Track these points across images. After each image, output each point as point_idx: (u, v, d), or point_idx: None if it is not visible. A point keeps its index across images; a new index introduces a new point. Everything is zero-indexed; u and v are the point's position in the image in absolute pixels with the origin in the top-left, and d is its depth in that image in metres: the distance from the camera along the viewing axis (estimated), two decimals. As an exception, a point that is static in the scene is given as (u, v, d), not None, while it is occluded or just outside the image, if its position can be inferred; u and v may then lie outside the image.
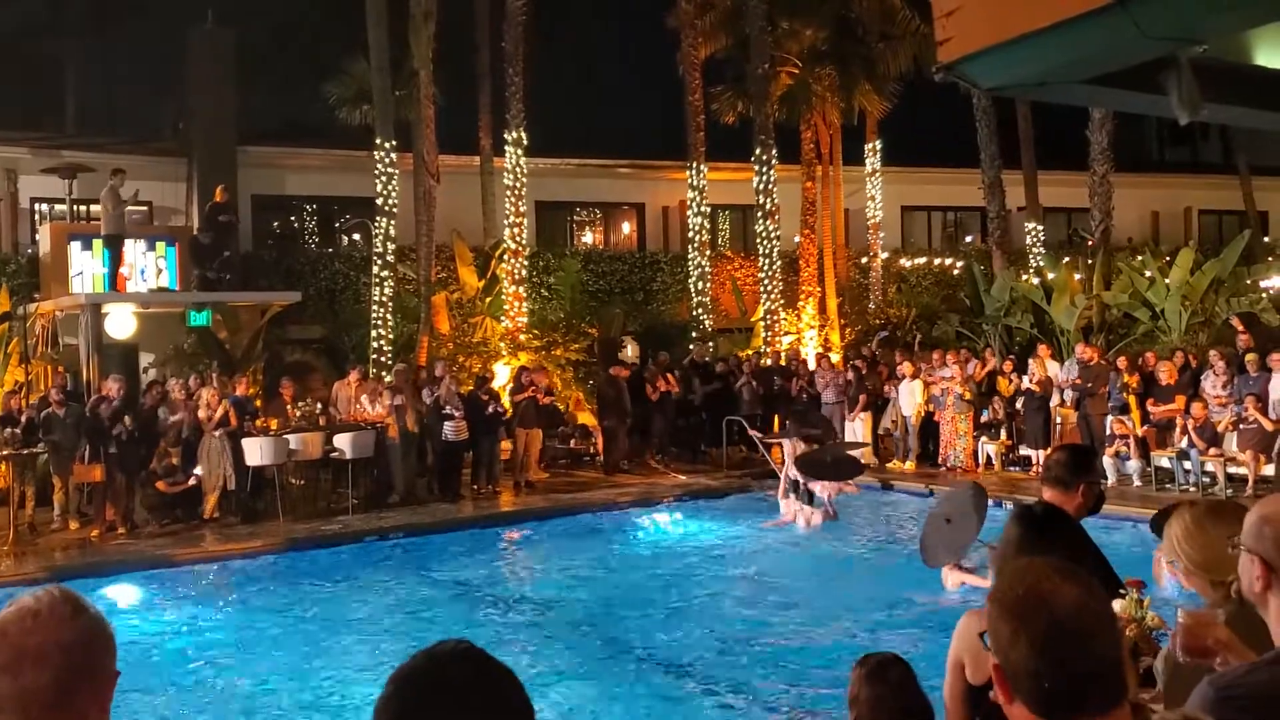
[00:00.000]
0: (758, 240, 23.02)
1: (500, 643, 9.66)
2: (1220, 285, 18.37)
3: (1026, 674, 1.65)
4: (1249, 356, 14.57)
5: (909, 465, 17.54)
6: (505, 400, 17.55)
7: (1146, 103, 2.87)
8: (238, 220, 18.85)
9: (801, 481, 14.27)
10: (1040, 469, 16.27)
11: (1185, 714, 1.79)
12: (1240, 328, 16.54)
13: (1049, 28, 2.28)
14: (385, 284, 18.82)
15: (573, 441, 19.29)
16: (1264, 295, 18.42)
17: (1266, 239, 27.85)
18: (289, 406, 15.25)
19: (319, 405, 15.53)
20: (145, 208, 20.41)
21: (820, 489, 14.66)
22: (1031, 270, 21.99)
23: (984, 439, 17.13)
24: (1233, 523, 2.73)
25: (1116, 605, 2.75)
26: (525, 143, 21.10)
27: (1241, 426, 13.93)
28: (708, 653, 9.08)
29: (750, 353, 21.88)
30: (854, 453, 15.66)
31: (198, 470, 13.97)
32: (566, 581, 11.92)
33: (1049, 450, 16.25)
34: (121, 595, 11.19)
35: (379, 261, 18.84)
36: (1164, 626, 2.78)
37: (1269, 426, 13.72)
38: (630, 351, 21.98)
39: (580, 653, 9.25)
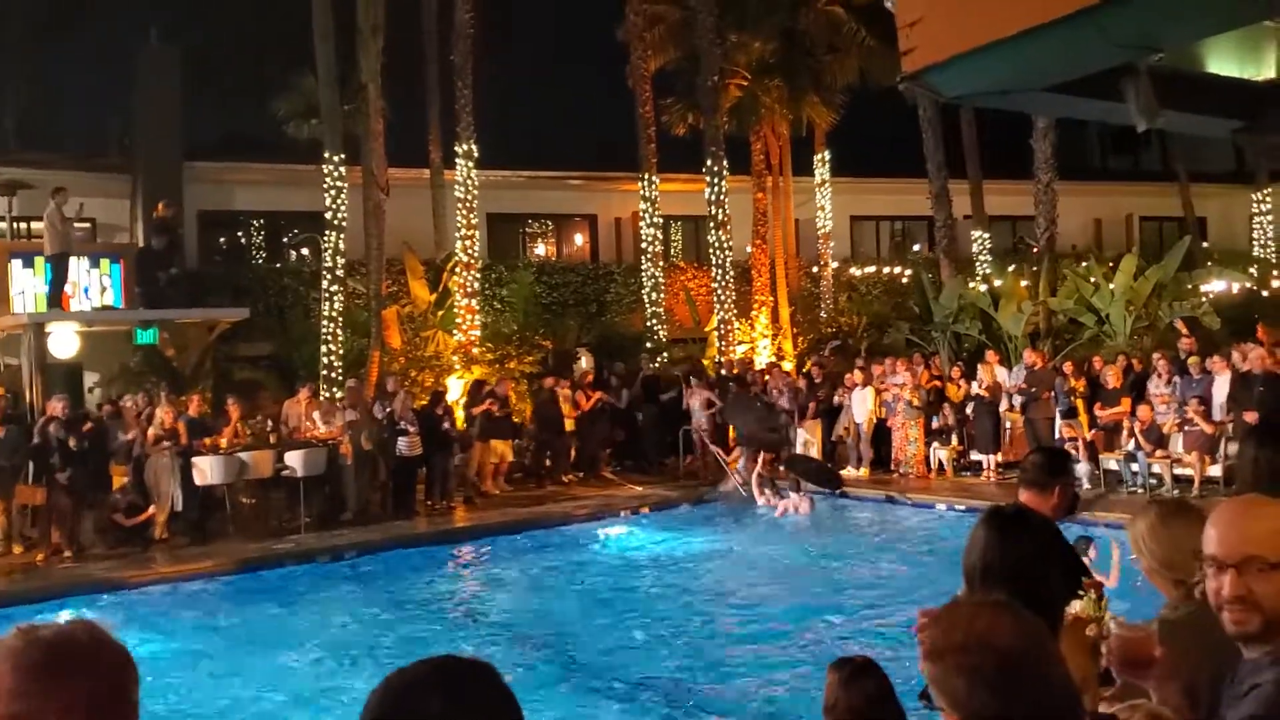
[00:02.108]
0: (710, 251, 23.12)
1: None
2: (1163, 290, 18.73)
3: (993, 718, 1.62)
4: (1191, 359, 14.86)
5: (862, 472, 17.66)
6: (459, 414, 17.51)
7: (1104, 110, 2.93)
8: (182, 235, 18.60)
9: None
10: (991, 473, 16.51)
11: (1150, 710, 1.81)
12: (1184, 331, 16.86)
13: (1013, 37, 2.31)
14: (335, 299, 18.65)
15: (528, 456, 19.23)
16: (1205, 299, 18.80)
17: (1205, 244, 28.41)
18: (239, 424, 15.04)
19: (269, 423, 15.34)
20: (89, 224, 20.09)
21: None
22: (979, 278, 22.27)
23: (935, 445, 17.31)
24: (1195, 522, 2.77)
25: (1076, 606, 2.77)
26: (476, 155, 21.05)
27: (1187, 428, 14.19)
28: (670, 665, 9.08)
29: (707, 362, 22.00)
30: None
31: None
32: (524, 596, 11.88)
33: (998, 455, 16.56)
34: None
35: (328, 276, 18.67)
36: (1122, 627, 2.81)
37: (1208, 429, 14.00)
38: (585, 363, 21.96)
39: (541, 668, 9.20)
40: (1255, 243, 29.51)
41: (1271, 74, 2.95)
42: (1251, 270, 23.68)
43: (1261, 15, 2.32)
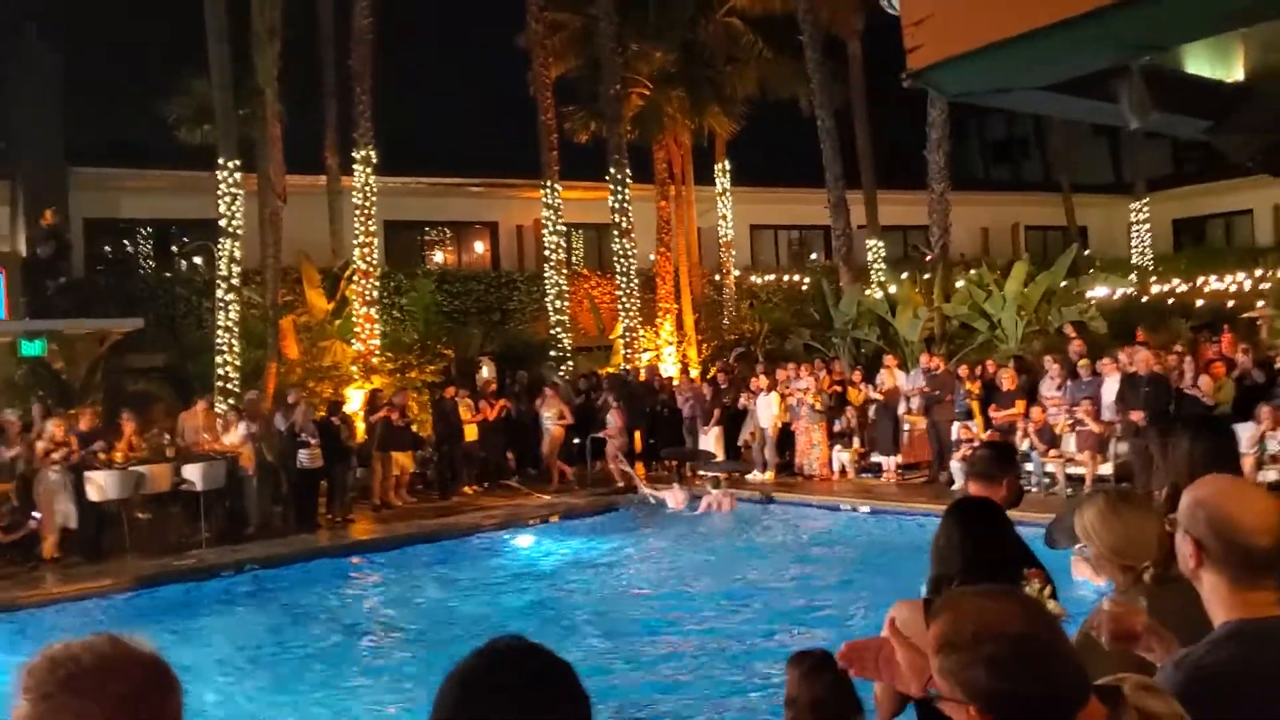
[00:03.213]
0: (615, 259, 23.19)
1: (370, 673, 9.46)
2: (1052, 296, 19.39)
3: (1010, 703, 1.66)
4: (1082, 362, 15.40)
5: (768, 476, 17.88)
6: (358, 425, 17.23)
7: (1093, 109, 3.03)
8: (70, 243, 17.95)
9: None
10: (891, 474, 16.88)
11: (1138, 680, 1.88)
12: (1073, 334, 17.47)
13: (1019, 36, 2.38)
14: (230, 308, 18.19)
15: (430, 467, 19.01)
16: (1091, 304, 19.51)
17: (1087, 252, 29.50)
18: (133, 438, 14.57)
19: (166, 436, 14.89)
20: (-35, 232, 19.30)
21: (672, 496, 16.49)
22: (874, 285, 22.75)
23: (838, 447, 17.63)
24: (1142, 509, 2.89)
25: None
26: (374, 161, 20.77)
27: (1078, 428, 14.71)
28: (584, 670, 9.05)
29: (612, 369, 22.06)
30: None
31: (36, 514, 13.20)
32: (435, 608, 11.73)
33: (898, 456, 16.95)
34: (-45, 644, 10.48)
35: (223, 285, 18.21)
36: (1065, 614, 2.91)
37: (1097, 429, 14.53)
38: (487, 372, 21.80)
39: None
40: (1134, 250, 30.75)
41: (1240, 76, 3.10)
42: (1131, 277, 24.65)
43: (1273, 14, 2.43)
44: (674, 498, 16.67)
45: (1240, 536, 2.15)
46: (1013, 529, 3.42)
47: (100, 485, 13.42)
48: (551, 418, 18.60)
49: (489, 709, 1.45)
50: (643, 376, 21.09)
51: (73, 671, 1.51)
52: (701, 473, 17.55)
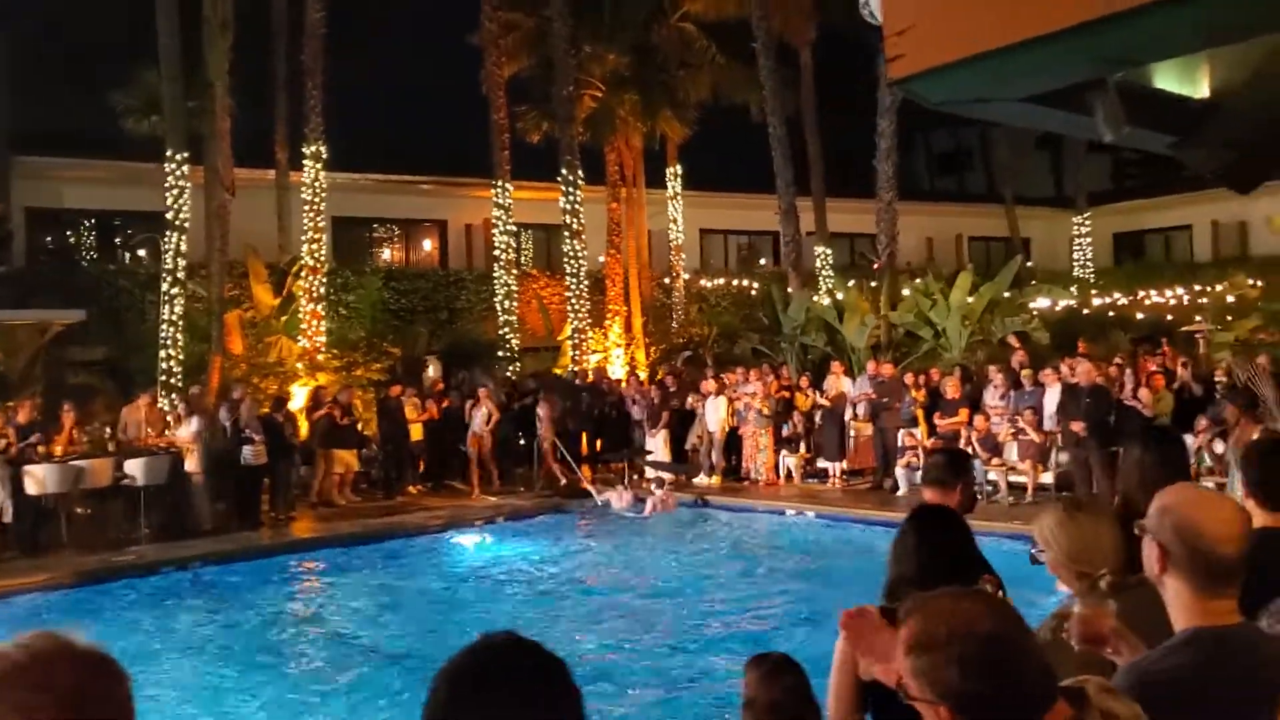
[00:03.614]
0: (565, 260, 23.18)
1: (314, 672, 9.40)
2: (996, 306, 19.70)
3: (982, 702, 1.70)
4: (1024, 372, 15.67)
5: (714, 480, 17.98)
6: (302, 422, 17.06)
7: (1067, 121, 3.10)
8: (11, 233, 17.60)
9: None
10: (836, 480, 17.05)
11: (1099, 682, 1.95)
12: (1016, 345, 17.77)
13: (1000, 48, 2.44)
14: (175, 302, 17.94)
15: (374, 466, 18.86)
16: (1034, 315, 19.85)
17: (1030, 264, 30.00)
18: (73, 431, 14.31)
19: (107, 430, 14.65)
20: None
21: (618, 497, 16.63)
22: (822, 291, 22.96)
23: (784, 453, 17.77)
24: (1099, 516, 2.97)
25: None
26: (324, 156, 20.60)
27: (1021, 437, 14.96)
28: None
29: (560, 371, 22.05)
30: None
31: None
32: (380, 608, 11.66)
33: (843, 462, 17.12)
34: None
35: (168, 278, 17.94)
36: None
37: (1037, 438, 14.80)
38: (433, 371, 21.69)
39: (400, 680, 9.05)
40: (1075, 263, 31.33)
41: (1206, 93, 3.20)
42: (1072, 289, 25.12)
43: (1254, 34, 2.52)
44: (619, 499, 16.72)
45: (1205, 544, 2.21)
46: (969, 535, 3.48)
47: (39, 478, 13.16)
48: (481, 419, 18.22)
49: (482, 704, 1.46)
50: (590, 378, 21.10)
51: (19, 663, 1.45)
52: (648, 474, 17.61)
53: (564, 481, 17.92)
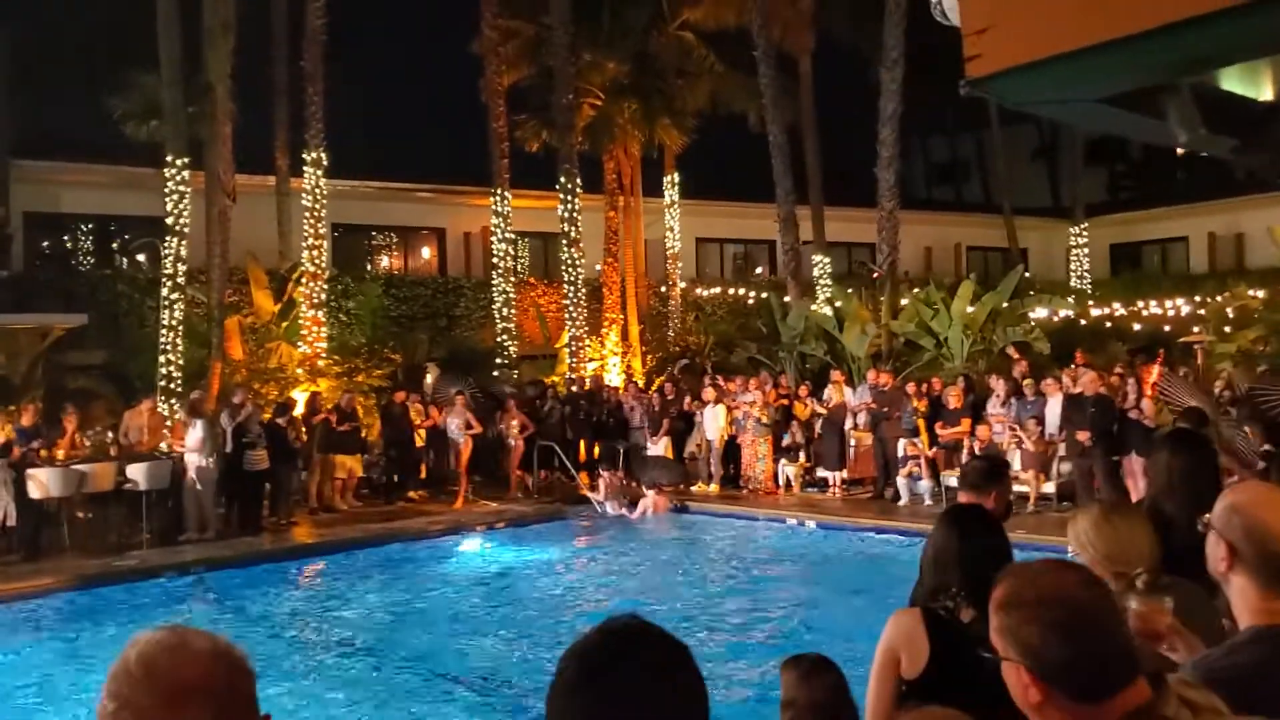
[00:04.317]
0: (563, 268, 23.18)
1: (317, 676, 9.35)
2: (997, 316, 19.75)
3: (1061, 666, 1.74)
4: (1026, 382, 15.70)
5: (713, 488, 17.98)
6: (300, 427, 17.03)
7: (1137, 124, 3.11)
8: (11, 237, 17.56)
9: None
10: (836, 489, 17.05)
11: (1178, 674, 1.96)
12: (1015, 355, 17.81)
13: (1076, 51, 2.45)
14: (175, 307, 17.91)
15: (376, 471, 18.83)
16: (1034, 325, 19.90)
17: (1027, 274, 30.09)
18: (76, 435, 14.27)
19: (109, 434, 14.60)
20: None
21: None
22: (821, 300, 23.00)
23: (784, 461, 17.75)
24: (1134, 517, 2.99)
25: None
26: (325, 163, 20.59)
27: (1023, 447, 14.98)
28: (532, 680, 9.04)
29: (557, 378, 22.05)
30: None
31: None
32: (382, 613, 11.62)
33: (843, 471, 17.12)
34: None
35: (168, 284, 17.91)
36: None
37: (1033, 448, 14.81)
38: (432, 378, 21.66)
39: (401, 685, 9.04)
40: (1073, 274, 31.44)
41: (1270, 96, 3.21)
42: (1070, 300, 25.19)
43: None
44: (615, 503, 16.79)
45: (1274, 544, 2.23)
46: (1005, 537, 3.48)
47: (41, 482, 13.12)
48: (459, 427, 17.85)
49: (610, 684, 1.47)
50: (587, 386, 21.11)
51: (172, 661, 1.50)
52: (645, 481, 17.60)
53: (531, 490, 17.86)
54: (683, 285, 26.76)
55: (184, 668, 1.49)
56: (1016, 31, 2.56)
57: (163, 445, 14.83)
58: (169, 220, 18.11)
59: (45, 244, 22.02)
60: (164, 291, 17.90)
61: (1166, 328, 22.79)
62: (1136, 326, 23.89)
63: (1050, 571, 1.84)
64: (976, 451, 15.21)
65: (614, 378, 23.11)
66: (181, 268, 18.04)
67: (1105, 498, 12.91)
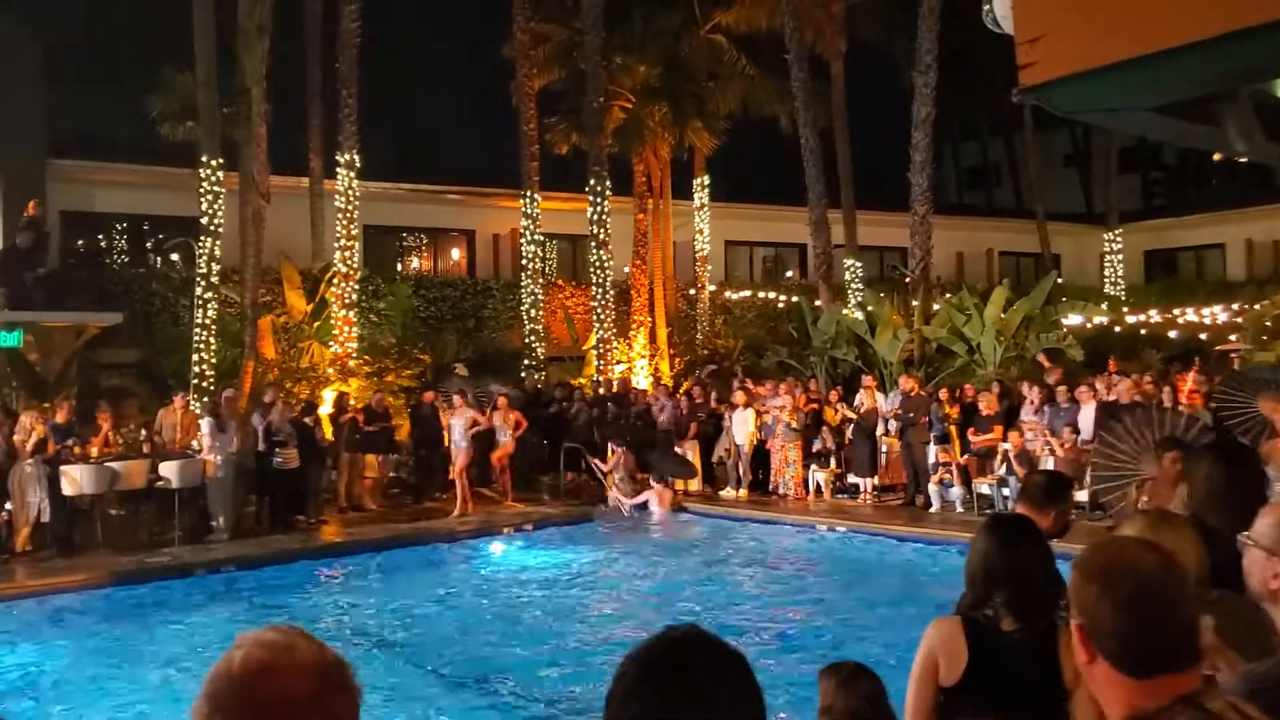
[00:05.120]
0: (591, 270, 23.19)
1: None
2: (1030, 322, 19.59)
3: (1111, 634, 1.78)
4: (1060, 389, 15.55)
5: (741, 493, 17.92)
6: (328, 427, 17.10)
7: (1193, 133, 3.07)
8: (49, 235, 17.74)
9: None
10: (867, 496, 16.96)
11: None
12: (1047, 363, 17.65)
13: (1131, 60, 2.42)
14: (208, 306, 18.05)
15: (405, 471, 18.91)
16: (1068, 332, 19.72)
17: (1060, 280, 29.87)
18: (110, 433, 14.40)
19: (142, 432, 14.73)
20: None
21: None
22: (853, 305, 22.91)
23: (814, 467, 17.65)
24: (1182, 528, 2.93)
25: None
26: (358, 165, 20.70)
27: (1055, 454, 14.83)
28: (563, 681, 9.04)
29: (584, 380, 22.06)
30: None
31: (8, 505, 13.01)
32: (411, 613, 11.65)
33: (875, 478, 17.02)
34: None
35: (202, 283, 18.06)
36: None
37: (1066, 456, 14.64)
38: (459, 379, 21.72)
39: (430, 685, 9.06)
40: (1106, 280, 31.17)
41: None
42: (1103, 306, 24.97)
43: None
44: (625, 484, 17.24)
45: None
46: (1047, 550, 3.43)
47: (75, 479, 13.24)
48: (464, 428, 16.92)
49: (669, 690, 1.48)
50: (615, 388, 21.11)
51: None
52: (654, 474, 17.64)
53: (508, 497, 17.70)
54: (712, 288, 26.71)
55: (281, 680, 1.46)
56: (1071, 40, 2.53)
57: (194, 444, 14.91)
58: (203, 220, 18.27)
59: (81, 243, 22.23)
60: (198, 290, 18.05)
61: (1203, 336, 22.56)
62: (1172, 334, 23.65)
63: (1129, 547, 1.89)
64: (1011, 459, 15.12)
65: (641, 380, 23.10)
66: (215, 267, 18.19)
67: (1146, 508, 12.75)
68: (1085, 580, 1.83)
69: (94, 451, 13.96)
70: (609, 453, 18.00)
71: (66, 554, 13.16)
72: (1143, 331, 24.00)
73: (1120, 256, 31.36)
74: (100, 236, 22.79)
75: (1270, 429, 7.29)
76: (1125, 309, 25.94)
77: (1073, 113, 2.87)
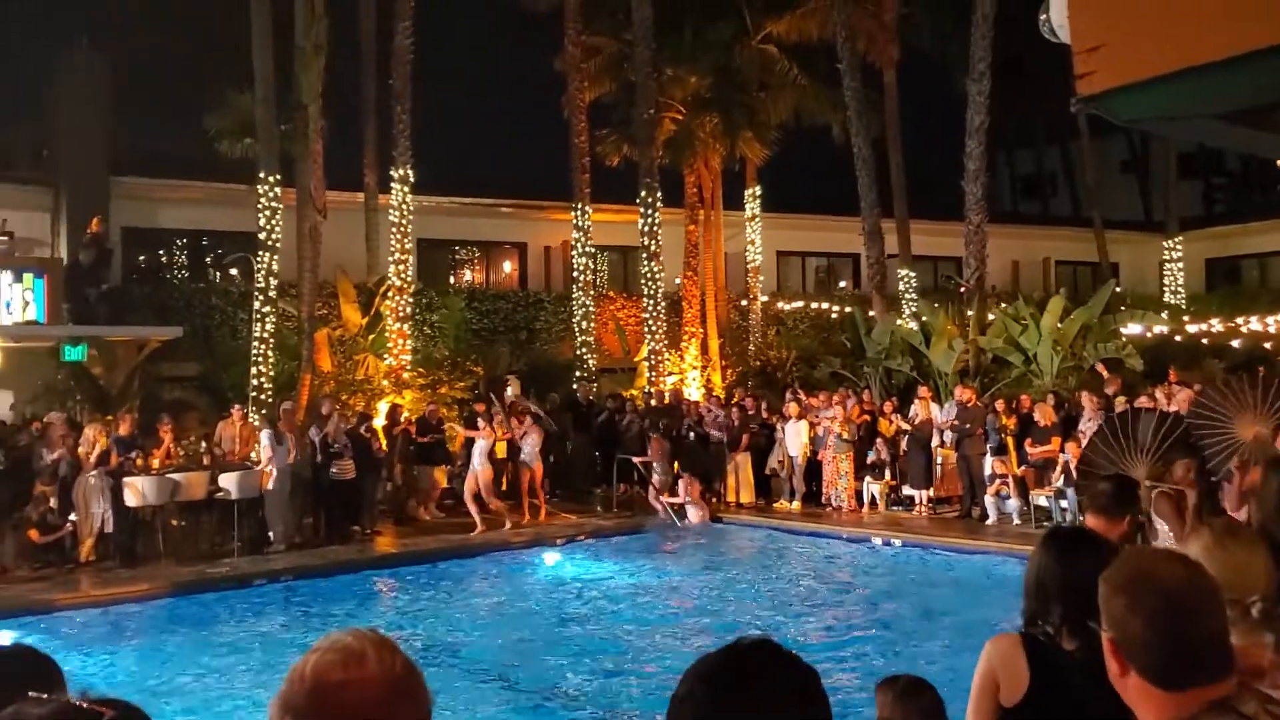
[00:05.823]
0: (642, 281, 23.21)
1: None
2: (1088, 332, 19.30)
3: (1141, 646, 1.79)
4: (1119, 399, 15.30)
5: (795, 505, 17.82)
6: (383, 438, 17.26)
7: (1253, 140, 3.04)
8: (112, 251, 18.13)
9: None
10: (923, 508, 16.78)
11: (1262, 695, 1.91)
12: (1105, 373, 17.38)
13: (1188, 69, 2.40)
14: (266, 320, 18.33)
15: (458, 482, 18.99)
16: (1127, 342, 19.40)
17: (1119, 289, 29.41)
18: (171, 445, 14.66)
19: (203, 444, 14.98)
20: (7, 237, 19.41)
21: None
22: (907, 315, 22.71)
23: (868, 479, 17.50)
24: (1249, 542, 2.87)
25: None
26: (412, 180, 20.92)
27: (1115, 465, 14.59)
28: (625, 693, 9.04)
29: (635, 392, 22.08)
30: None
31: (73, 516, 13.30)
32: (466, 624, 11.73)
33: (930, 490, 16.83)
34: (-5, 644, 10.52)
35: (260, 297, 18.34)
36: None
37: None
38: (513, 391, 21.82)
39: (486, 697, 9.09)
40: (1166, 289, 30.62)
41: None
42: (1163, 315, 24.55)
43: None
44: (695, 513, 16.92)
45: None
46: (1104, 562, 3.37)
47: (138, 490, 13.50)
48: (481, 448, 16.54)
49: (740, 705, 1.47)
50: (667, 400, 21.09)
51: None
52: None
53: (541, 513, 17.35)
54: (764, 299, 26.63)
55: (351, 688, 1.47)
56: (1130, 48, 2.51)
57: (252, 455, 15.14)
58: (261, 235, 18.56)
59: (142, 258, 22.68)
60: (256, 305, 18.34)
61: (1266, 345, 22.09)
62: (1235, 343, 23.17)
63: (1160, 560, 1.90)
64: (1070, 470, 14.88)
65: (693, 391, 23.06)
66: (273, 282, 18.47)
67: (1215, 520, 12.51)
68: (1113, 593, 1.84)
69: (156, 463, 14.23)
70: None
71: (129, 564, 13.42)
72: (1204, 341, 23.53)
73: (1180, 265, 30.77)
74: (161, 252, 23.22)
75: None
76: (1186, 318, 25.44)
77: (1133, 121, 2.84)
